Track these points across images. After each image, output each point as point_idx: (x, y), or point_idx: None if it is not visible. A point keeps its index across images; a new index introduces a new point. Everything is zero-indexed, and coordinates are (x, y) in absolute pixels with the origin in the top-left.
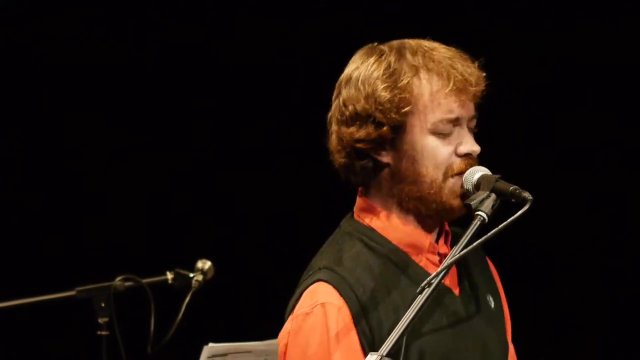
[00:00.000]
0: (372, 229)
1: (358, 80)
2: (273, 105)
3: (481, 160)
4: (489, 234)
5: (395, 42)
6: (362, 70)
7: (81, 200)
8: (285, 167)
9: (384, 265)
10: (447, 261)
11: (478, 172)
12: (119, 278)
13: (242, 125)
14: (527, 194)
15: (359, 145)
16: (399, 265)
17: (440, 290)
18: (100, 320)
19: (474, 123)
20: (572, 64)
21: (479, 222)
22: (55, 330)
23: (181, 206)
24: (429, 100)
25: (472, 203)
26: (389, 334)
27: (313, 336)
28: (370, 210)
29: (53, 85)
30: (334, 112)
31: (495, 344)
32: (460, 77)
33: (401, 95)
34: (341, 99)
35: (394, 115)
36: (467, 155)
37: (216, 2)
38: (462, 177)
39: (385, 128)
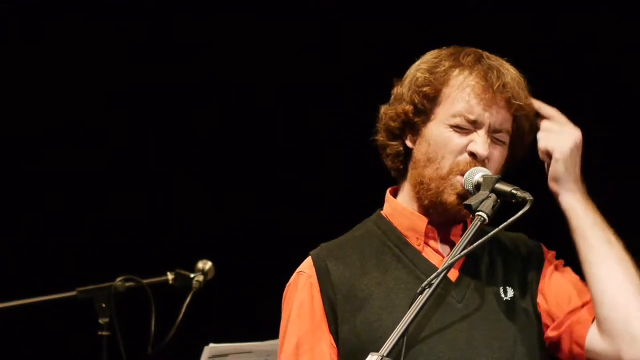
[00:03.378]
0: (382, 216)
1: (412, 67)
2: (272, 107)
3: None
4: (489, 234)
5: (469, 48)
6: (420, 59)
7: (82, 200)
8: (284, 167)
9: (378, 245)
10: (447, 261)
11: (479, 172)
12: (119, 278)
13: (242, 127)
14: (527, 194)
15: (390, 123)
16: (394, 247)
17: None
18: (101, 321)
19: (502, 136)
20: (571, 63)
21: (479, 223)
22: (56, 331)
23: (182, 207)
24: (455, 92)
25: (472, 203)
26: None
27: (285, 302)
28: (387, 200)
29: (53, 85)
30: None
31: (498, 329)
32: (490, 80)
33: (431, 79)
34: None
35: (416, 97)
36: (474, 156)
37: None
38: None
39: (409, 107)
